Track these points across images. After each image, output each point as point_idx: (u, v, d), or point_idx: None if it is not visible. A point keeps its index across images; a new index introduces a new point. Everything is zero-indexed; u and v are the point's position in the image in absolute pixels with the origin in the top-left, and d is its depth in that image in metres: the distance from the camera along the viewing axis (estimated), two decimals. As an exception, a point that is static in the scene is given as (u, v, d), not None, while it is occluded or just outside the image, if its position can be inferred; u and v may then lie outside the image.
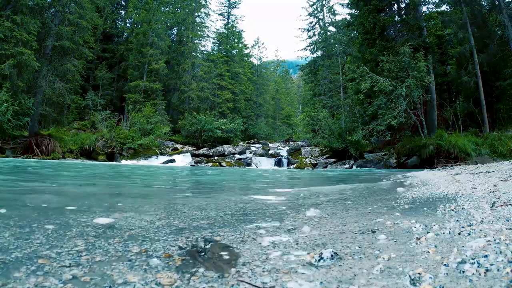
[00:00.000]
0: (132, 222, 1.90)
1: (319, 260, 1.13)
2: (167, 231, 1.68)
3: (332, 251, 1.19)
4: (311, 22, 33.32)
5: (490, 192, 3.07)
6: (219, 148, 20.37)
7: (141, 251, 1.28)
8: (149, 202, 3.32)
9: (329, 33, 31.68)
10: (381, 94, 13.83)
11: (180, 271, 1.04)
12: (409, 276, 0.92)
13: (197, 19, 34.85)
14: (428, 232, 1.51)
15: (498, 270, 0.90)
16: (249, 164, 17.62)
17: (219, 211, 2.47)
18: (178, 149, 20.54)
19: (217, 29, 37.89)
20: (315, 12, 33.02)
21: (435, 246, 1.25)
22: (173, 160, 17.55)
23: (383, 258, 1.15)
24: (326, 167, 16.08)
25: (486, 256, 1.01)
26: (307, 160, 17.46)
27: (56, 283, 0.94)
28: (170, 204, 2.91)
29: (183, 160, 17.94)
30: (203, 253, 1.24)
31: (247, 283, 0.93)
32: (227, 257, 1.21)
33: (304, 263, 1.13)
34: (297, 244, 1.43)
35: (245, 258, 1.20)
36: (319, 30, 32.89)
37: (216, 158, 18.89)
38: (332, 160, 16.78)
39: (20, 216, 1.94)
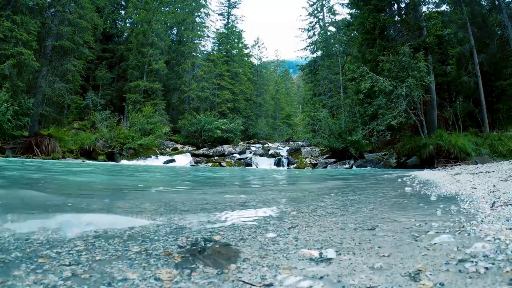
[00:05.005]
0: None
1: (319, 257, 1.14)
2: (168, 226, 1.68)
3: (332, 250, 1.19)
4: (311, 22, 33.35)
5: (490, 192, 3.07)
6: (219, 148, 20.37)
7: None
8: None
9: (329, 33, 31.69)
10: (381, 94, 13.82)
11: (180, 268, 1.05)
12: (409, 273, 0.93)
13: (197, 19, 34.84)
14: (428, 231, 1.51)
15: (498, 269, 0.91)
16: (249, 164, 17.61)
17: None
18: (178, 149, 20.53)
19: (217, 29, 37.89)
20: (315, 12, 33.05)
21: (435, 245, 1.25)
22: (173, 160, 17.55)
23: (383, 255, 1.15)
24: (326, 167, 16.08)
25: (486, 255, 1.02)
26: (307, 160, 17.46)
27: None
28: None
29: (183, 160, 17.92)
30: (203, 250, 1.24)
31: (246, 282, 0.94)
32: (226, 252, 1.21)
33: (305, 259, 1.13)
34: (297, 240, 1.43)
35: (245, 255, 1.20)
36: (319, 30, 32.91)
37: (216, 158, 18.88)
38: (332, 160, 16.78)
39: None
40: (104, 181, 5.95)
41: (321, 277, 0.95)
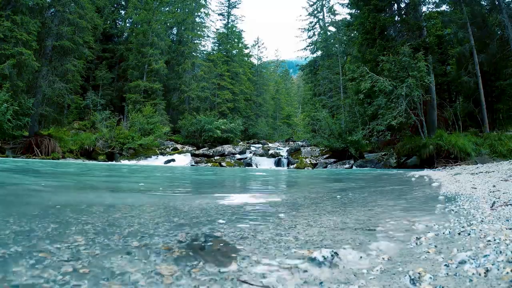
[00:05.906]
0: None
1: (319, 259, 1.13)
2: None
3: (332, 250, 1.19)
4: (311, 22, 33.35)
5: (490, 192, 3.07)
6: (219, 148, 20.36)
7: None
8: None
9: (329, 33, 31.69)
10: (381, 94, 13.81)
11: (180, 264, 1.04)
12: (409, 276, 0.92)
13: (197, 19, 34.82)
14: (428, 232, 1.51)
15: (498, 270, 0.90)
16: (249, 164, 17.60)
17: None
18: (178, 149, 20.52)
19: (217, 29, 37.88)
20: (315, 12, 33.05)
21: (435, 246, 1.25)
22: (173, 160, 17.54)
23: (383, 257, 1.15)
24: (326, 167, 16.08)
25: (486, 256, 1.01)
26: (307, 160, 17.45)
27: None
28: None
29: (183, 160, 17.92)
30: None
31: (248, 282, 0.93)
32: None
33: (304, 261, 1.13)
34: (297, 240, 1.43)
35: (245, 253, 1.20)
36: (319, 30, 32.92)
37: (216, 158, 18.88)
38: (332, 160, 16.77)
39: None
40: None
41: (321, 283, 0.94)
